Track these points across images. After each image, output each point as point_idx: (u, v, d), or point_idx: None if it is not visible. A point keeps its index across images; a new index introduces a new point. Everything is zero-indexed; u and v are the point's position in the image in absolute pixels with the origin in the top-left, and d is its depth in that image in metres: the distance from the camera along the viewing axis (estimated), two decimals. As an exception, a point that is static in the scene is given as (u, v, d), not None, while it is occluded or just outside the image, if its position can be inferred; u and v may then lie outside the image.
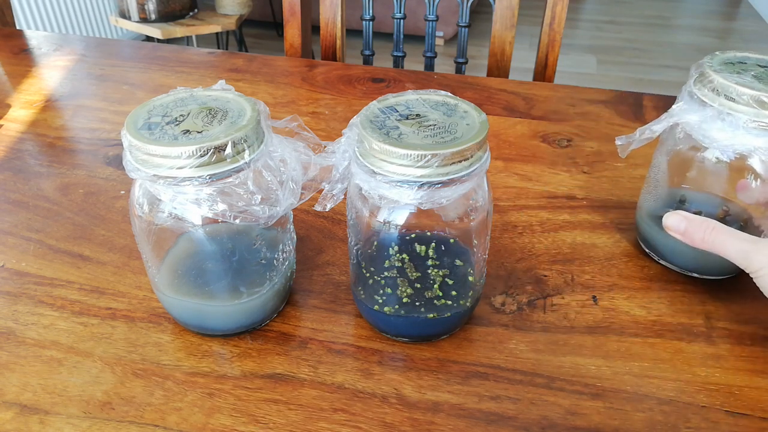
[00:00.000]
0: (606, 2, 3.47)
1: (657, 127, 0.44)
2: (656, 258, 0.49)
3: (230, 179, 0.35)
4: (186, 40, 2.47)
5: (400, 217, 0.38)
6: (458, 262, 0.41)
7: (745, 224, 0.46)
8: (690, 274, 0.48)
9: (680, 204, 0.48)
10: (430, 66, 0.99)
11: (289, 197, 0.38)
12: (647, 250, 0.50)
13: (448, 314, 0.41)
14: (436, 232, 0.40)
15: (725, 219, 0.46)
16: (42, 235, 0.52)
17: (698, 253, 0.46)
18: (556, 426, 0.37)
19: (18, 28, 0.99)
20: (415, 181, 0.34)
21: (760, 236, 0.45)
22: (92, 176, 0.60)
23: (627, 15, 3.29)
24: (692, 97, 0.42)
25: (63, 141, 0.66)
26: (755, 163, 0.42)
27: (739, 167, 0.43)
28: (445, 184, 0.34)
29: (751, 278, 0.39)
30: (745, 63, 0.43)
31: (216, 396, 0.39)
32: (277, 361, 0.41)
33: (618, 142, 0.46)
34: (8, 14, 0.98)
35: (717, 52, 0.45)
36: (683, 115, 0.43)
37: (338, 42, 0.92)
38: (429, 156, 0.33)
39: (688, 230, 0.42)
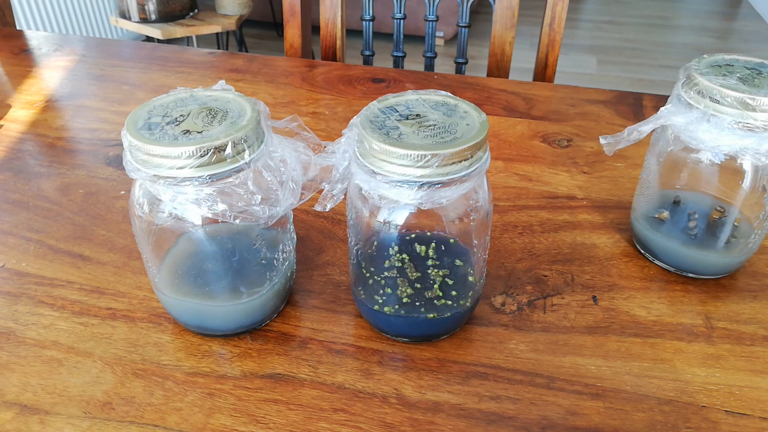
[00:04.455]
0: (606, 2, 3.47)
1: (645, 128, 0.44)
2: (651, 258, 0.50)
3: (230, 179, 0.35)
4: (186, 41, 2.47)
5: (400, 217, 0.38)
6: (458, 262, 0.41)
7: (738, 224, 0.46)
8: (686, 274, 0.48)
9: (675, 205, 0.48)
10: (430, 66, 0.99)
11: (289, 197, 0.38)
12: (642, 251, 0.50)
13: (448, 314, 0.41)
14: (436, 232, 0.40)
15: (719, 219, 0.46)
16: (42, 235, 0.52)
17: (691, 254, 0.47)
18: (556, 426, 0.37)
19: (18, 28, 0.99)
20: (415, 181, 0.34)
21: (752, 235, 0.45)
22: (92, 176, 0.60)
23: (627, 15, 3.28)
24: (679, 100, 0.43)
25: (63, 141, 0.66)
26: (743, 163, 0.42)
27: (731, 168, 0.43)
28: (445, 184, 0.34)
29: (751, 278, 0.39)
30: (732, 65, 0.43)
31: (216, 396, 0.39)
32: (277, 361, 0.41)
33: (602, 141, 0.46)
34: (8, 14, 0.98)
35: (705, 55, 0.45)
36: (671, 117, 0.43)
37: (338, 42, 0.92)
38: (429, 156, 0.33)
39: None
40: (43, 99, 0.74)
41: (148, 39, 2.41)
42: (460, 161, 0.34)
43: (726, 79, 0.41)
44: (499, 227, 0.53)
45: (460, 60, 0.98)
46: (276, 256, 0.42)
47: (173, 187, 0.35)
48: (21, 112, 0.71)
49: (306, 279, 0.48)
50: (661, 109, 0.44)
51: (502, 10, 0.87)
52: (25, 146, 0.65)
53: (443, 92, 0.39)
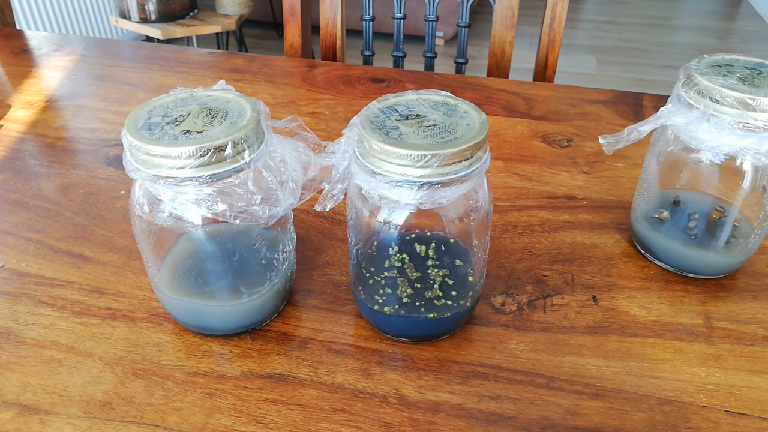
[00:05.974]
0: (606, 2, 3.47)
1: (645, 128, 0.44)
2: (651, 258, 0.50)
3: (230, 179, 0.35)
4: (186, 41, 2.47)
5: (400, 217, 0.38)
6: (458, 262, 0.41)
7: (738, 224, 0.46)
8: (686, 274, 0.48)
9: (675, 205, 0.48)
10: (430, 66, 0.99)
11: (289, 197, 0.38)
12: (642, 251, 0.50)
13: (448, 314, 0.41)
14: (436, 232, 0.40)
15: (719, 219, 0.46)
16: (42, 235, 0.52)
17: (691, 254, 0.47)
18: (556, 426, 0.37)
19: (18, 28, 0.99)
20: (415, 181, 0.34)
21: (752, 235, 0.45)
22: (92, 176, 0.60)
23: (627, 15, 3.28)
24: (680, 100, 0.43)
25: (63, 141, 0.66)
26: (743, 163, 0.42)
27: (731, 168, 0.43)
28: (445, 184, 0.34)
29: (751, 278, 0.39)
30: (733, 65, 0.43)
31: (216, 396, 0.39)
32: (277, 361, 0.41)
33: (602, 141, 0.46)
34: (8, 14, 0.98)
35: (705, 55, 0.45)
36: (670, 117, 0.43)
37: (338, 42, 0.92)
38: (429, 156, 0.33)
39: None
40: (43, 99, 0.74)
41: (148, 39, 2.41)
42: (460, 161, 0.34)
43: (726, 79, 0.41)
44: (499, 227, 0.53)
45: (460, 60, 0.98)
46: (276, 256, 0.42)
47: (173, 187, 0.35)
48: (21, 112, 0.71)
49: (306, 279, 0.48)
50: (661, 109, 0.44)
51: (502, 10, 0.87)
52: (25, 146, 0.65)
53: (443, 92, 0.39)
